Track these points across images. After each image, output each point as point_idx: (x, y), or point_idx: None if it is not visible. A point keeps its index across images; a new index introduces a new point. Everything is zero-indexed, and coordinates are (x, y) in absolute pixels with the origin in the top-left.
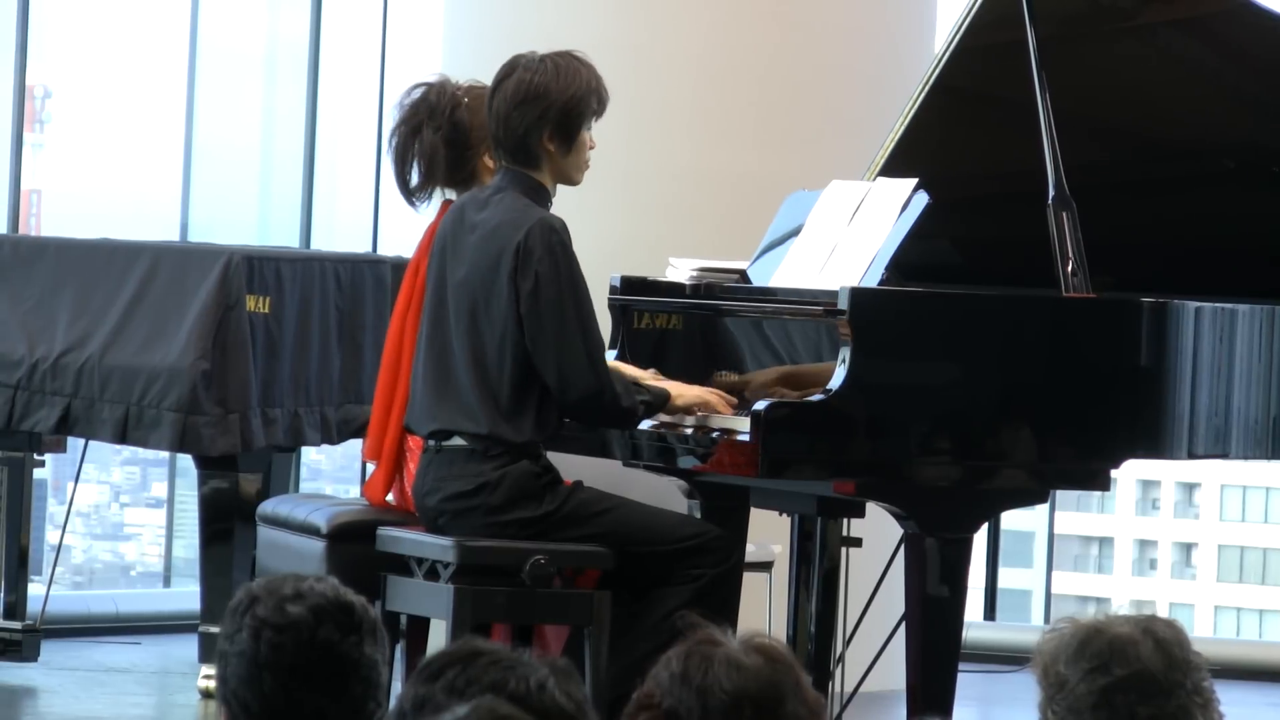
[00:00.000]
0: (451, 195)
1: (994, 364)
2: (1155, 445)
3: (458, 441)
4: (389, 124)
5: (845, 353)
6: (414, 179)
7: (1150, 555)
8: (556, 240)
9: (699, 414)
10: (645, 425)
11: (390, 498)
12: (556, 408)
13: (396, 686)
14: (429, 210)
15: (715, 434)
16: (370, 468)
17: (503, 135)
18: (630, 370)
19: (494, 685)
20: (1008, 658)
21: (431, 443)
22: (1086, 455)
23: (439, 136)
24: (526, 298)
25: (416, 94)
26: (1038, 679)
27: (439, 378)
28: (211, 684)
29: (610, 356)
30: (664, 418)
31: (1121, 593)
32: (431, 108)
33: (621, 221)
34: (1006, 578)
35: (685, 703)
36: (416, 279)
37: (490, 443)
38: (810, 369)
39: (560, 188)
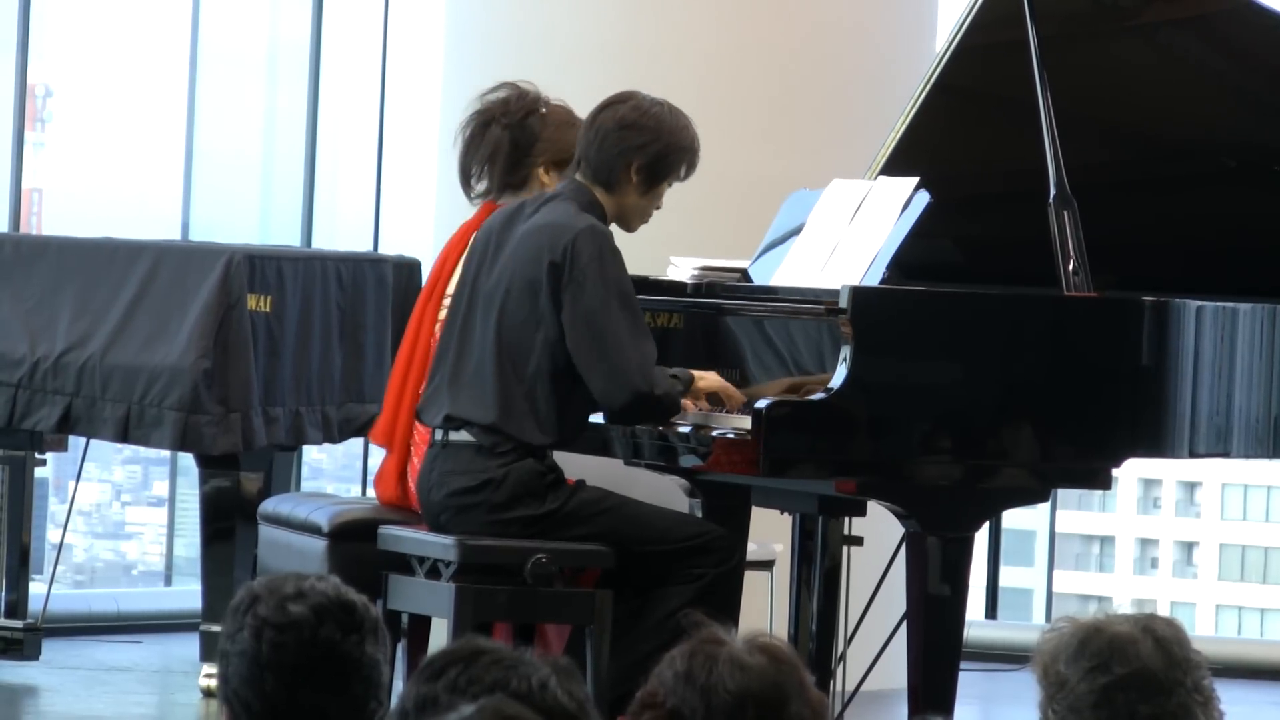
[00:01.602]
0: (505, 201)
1: (995, 363)
2: (1157, 444)
3: (465, 435)
4: (461, 117)
5: (846, 352)
6: (474, 173)
7: (1151, 554)
8: (607, 246)
9: (712, 408)
10: (645, 425)
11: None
12: (584, 414)
13: (398, 685)
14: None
15: (716, 433)
16: (374, 463)
17: (594, 150)
18: None
19: (496, 684)
20: (1009, 656)
21: (439, 434)
22: (1088, 454)
23: (506, 134)
24: (572, 302)
25: (500, 93)
26: (1038, 678)
27: (460, 366)
28: (213, 683)
29: None
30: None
31: (1123, 591)
32: (508, 106)
33: None
34: (1008, 576)
35: (689, 702)
36: (442, 271)
37: (500, 438)
38: (816, 381)
39: None
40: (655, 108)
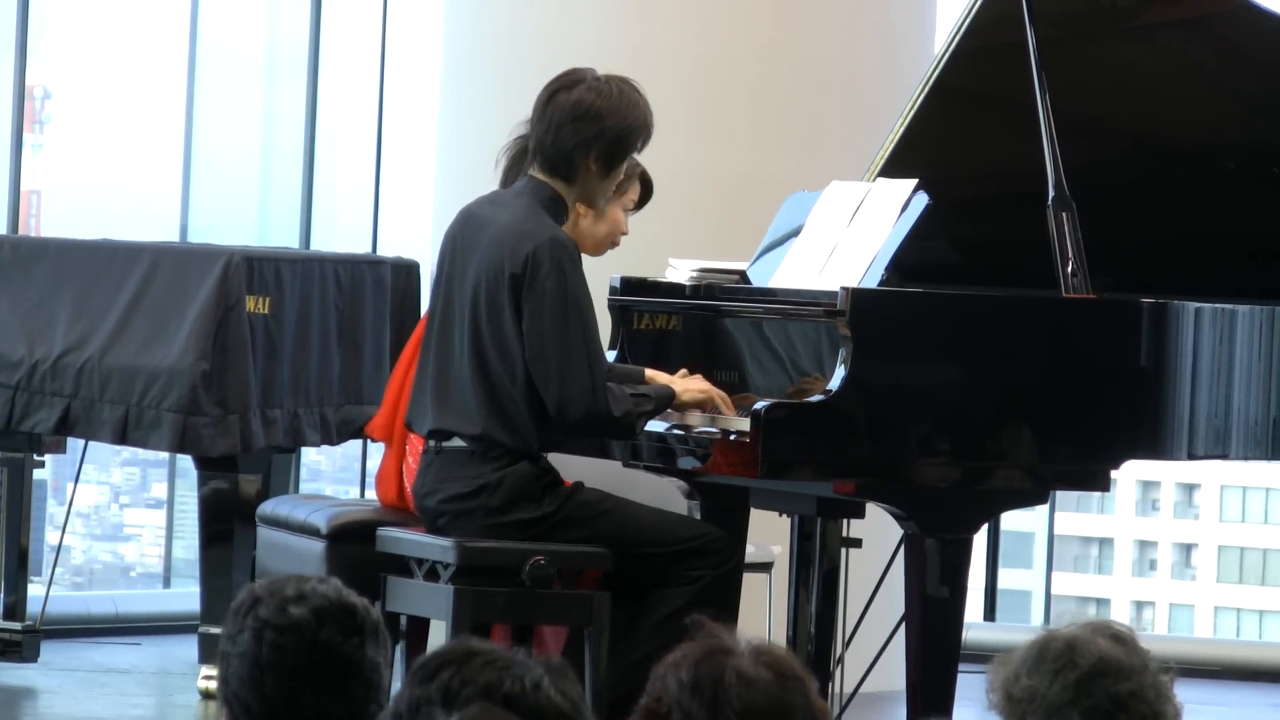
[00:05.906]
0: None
1: (994, 365)
2: (1155, 446)
3: (457, 442)
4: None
5: (845, 353)
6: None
7: (1150, 556)
8: (566, 257)
9: (704, 413)
10: (647, 425)
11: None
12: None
13: (397, 687)
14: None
15: (715, 435)
16: (372, 464)
17: (549, 143)
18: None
19: (489, 685)
20: None
21: (431, 443)
22: (1086, 456)
23: None
24: (530, 314)
25: None
26: (1000, 709)
27: (442, 377)
28: (212, 685)
29: (610, 357)
30: (670, 415)
31: (1121, 593)
32: None
33: None
34: (1006, 578)
35: (694, 716)
36: None
37: (489, 444)
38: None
39: None
40: (605, 88)
